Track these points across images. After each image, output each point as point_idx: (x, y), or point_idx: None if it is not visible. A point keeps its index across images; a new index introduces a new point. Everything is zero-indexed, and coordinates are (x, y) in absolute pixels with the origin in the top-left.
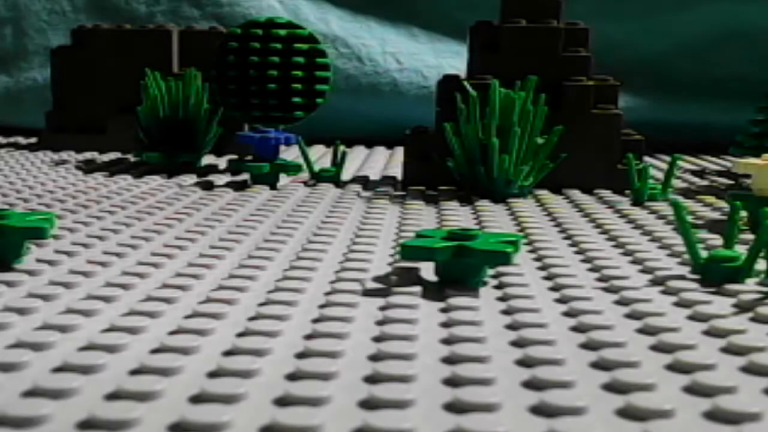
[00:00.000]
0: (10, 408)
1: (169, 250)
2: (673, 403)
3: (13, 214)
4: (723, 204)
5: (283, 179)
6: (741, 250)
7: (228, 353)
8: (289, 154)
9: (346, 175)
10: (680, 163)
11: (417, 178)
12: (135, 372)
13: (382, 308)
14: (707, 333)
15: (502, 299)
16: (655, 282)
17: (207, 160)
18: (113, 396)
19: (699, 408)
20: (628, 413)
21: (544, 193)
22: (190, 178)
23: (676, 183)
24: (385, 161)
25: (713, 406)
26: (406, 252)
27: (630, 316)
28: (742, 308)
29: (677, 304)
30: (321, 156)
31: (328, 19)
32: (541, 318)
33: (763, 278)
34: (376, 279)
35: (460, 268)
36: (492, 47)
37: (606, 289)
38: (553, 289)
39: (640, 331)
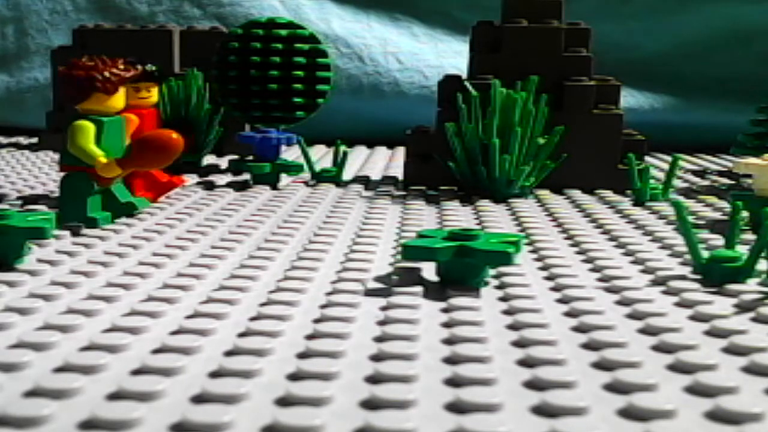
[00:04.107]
0: (11, 408)
1: (170, 250)
2: (675, 404)
3: (14, 214)
4: (724, 204)
5: (284, 179)
6: (742, 250)
7: (229, 353)
8: (290, 154)
9: (347, 175)
10: (681, 163)
11: (418, 178)
12: (136, 372)
13: (384, 308)
14: (709, 333)
15: (503, 299)
16: (657, 282)
17: (208, 160)
18: (115, 396)
19: (701, 408)
20: (629, 413)
21: (545, 193)
22: (191, 178)
23: (677, 183)
24: (386, 161)
25: (715, 407)
26: (408, 252)
27: (631, 316)
28: (743, 308)
29: (678, 305)
30: (322, 156)
31: (329, 19)
32: (543, 318)
33: (765, 278)
34: (378, 279)
35: (462, 268)
36: (493, 47)
37: (607, 290)
38: (555, 289)
39: (642, 331)
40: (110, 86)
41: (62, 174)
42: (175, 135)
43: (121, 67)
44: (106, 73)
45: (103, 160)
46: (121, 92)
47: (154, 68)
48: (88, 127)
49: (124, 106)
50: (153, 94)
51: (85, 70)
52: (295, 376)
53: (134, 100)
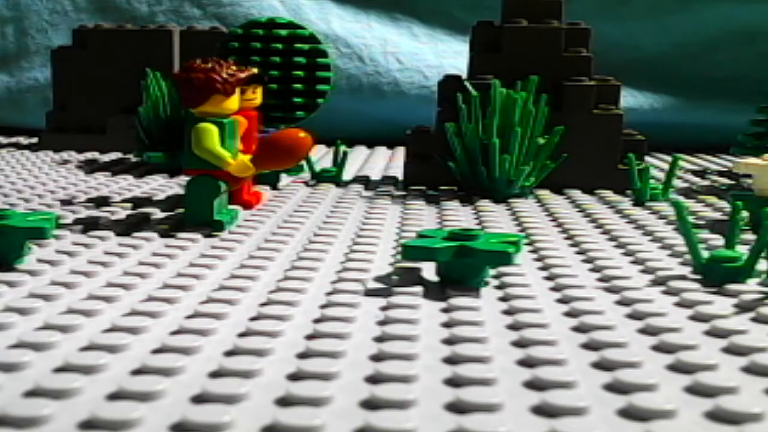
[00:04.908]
0: (11, 408)
1: (170, 250)
2: (675, 404)
3: (14, 214)
4: (724, 204)
5: (284, 179)
6: (742, 250)
7: (229, 353)
8: None
9: (347, 175)
10: (681, 163)
11: (418, 178)
12: (136, 372)
13: (384, 308)
14: (709, 333)
15: (503, 299)
16: (657, 282)
17: None
18: (115, 396)
19: (700, 408)
20: (629, 413)
21: (545, 193)
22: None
23: (677, 183)
24: (386, 161)
25: (715, 407)
26: (408, 252)
27: (631, 316)
28: (743, 308)
29: (678, 305)
30: (322, 156)
31: (329, 19)
32: (543, 318)
33: (765, 278)
34: (378, 279)
35: (462, 268)
36: (493, 47)
37: (607, 290)
38: (555, 289)
39: (642, 331)
40: (229, 87)
41: (187, 178)
42: (302, 134)
43: (234, 68)
44: (224, 75)
45: (231, 161)
46: (237, 94)
47: (258, 70)
48: (213, 130)
49: (238, 107)
50: (258, 96)
51: (204, 73)
52: (295, 376)
53: (240, 102)
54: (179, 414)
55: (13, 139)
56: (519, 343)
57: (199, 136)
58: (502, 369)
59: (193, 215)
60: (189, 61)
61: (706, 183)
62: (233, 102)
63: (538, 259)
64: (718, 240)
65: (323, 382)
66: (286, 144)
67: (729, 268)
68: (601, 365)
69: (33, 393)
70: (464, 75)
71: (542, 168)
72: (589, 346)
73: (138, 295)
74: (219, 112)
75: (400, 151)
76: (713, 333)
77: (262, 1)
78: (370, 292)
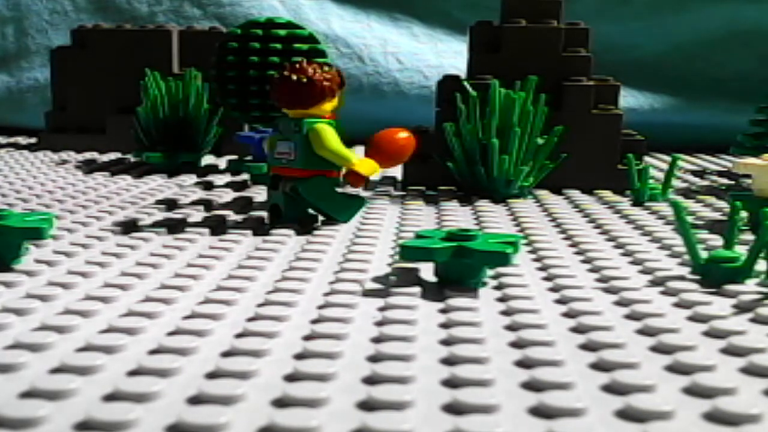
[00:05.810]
0: (7, 409)
1: (168, 251)
2: (673, 405)
3: (12, 214)
4: (723, 204)
5: None
6: (741, 250)
7: (226, 354)
8: None
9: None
10: (680, 163)
11: (417, 178)
12: (133, 373)
13: (381, 309)
14: (707, 334)
15: (501, 300)
16: (655, 283)
17: (207, 160)
18: (111, 397)
19: (699, 409)
20: (627, 414)
21: (544, 194)
22: (190, 179)
23: (677, 183)
24: None
25: (713, 408)
26: (406, 252)
27: (630, 316)
28: (742, 309)
29: (677, 305)
30: None
31: (329, 19)
32: (541, 319)
33: (764, 279)
34: (376, 279)
35: (460, 268)
36: (492, 47)
37: (606, 290)
38: (553, 289)
39: (640, 332)
40: (335, 89)
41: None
42: (405, 134)
43: (329, 69)
44: (329, 76)
45: (355, 160)
46: (338, 96)
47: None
48: (333, 130)
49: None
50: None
51: (322, 75)
52: (292, 377)
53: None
54: (175, 415)
55: (12, 139)
56: (517, 344)
57: (321, 137)
58: (499, 370)
59: (339, 210)
60: (294, 63)
61: (705, 183)
62: (333, 104)
63: (536, 260)
64: (716, 240)
65: (320, 383)
66: (395, 145)
67: (728, 268)
68: (599, 366)
69: (29, 394)
70: (464, 75)
71: (541, 168)
72: (587, 347)
73: (135, 296)
74: (320, 114)
75: None
76: (712, 334)
77: (262, 1)
78: (367, 293)
